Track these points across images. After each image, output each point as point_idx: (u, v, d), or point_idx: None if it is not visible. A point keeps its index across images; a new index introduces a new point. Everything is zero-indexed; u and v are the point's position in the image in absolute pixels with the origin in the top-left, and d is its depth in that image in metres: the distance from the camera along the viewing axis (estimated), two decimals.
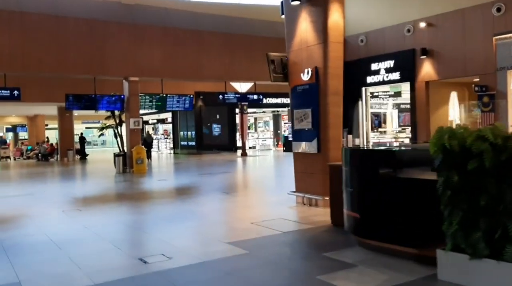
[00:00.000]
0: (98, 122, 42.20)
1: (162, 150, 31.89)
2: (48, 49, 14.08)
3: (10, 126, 41.69)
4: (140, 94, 16.17)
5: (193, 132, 26.80)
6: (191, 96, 17.54)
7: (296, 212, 7.46)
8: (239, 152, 25.98)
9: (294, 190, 8.34)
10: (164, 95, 16.86)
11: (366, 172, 4.94)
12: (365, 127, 16.68)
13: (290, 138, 24.75)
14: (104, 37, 15.01)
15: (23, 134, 39.76)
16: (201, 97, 25.16)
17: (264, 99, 19.87)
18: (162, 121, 33.12)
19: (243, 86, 21.49)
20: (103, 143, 45.81)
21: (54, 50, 14.16)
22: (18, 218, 7.67)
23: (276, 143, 29.67)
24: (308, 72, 7.79)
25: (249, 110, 27.70)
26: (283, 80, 8.52)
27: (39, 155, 25.49)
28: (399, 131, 19.54)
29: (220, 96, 18.22)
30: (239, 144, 27.84)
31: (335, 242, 5.37)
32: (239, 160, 20.69)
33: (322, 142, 7.66)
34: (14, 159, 27.44)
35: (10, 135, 42.11)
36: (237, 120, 27.89)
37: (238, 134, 27.54)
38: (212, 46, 16.99)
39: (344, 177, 5.38)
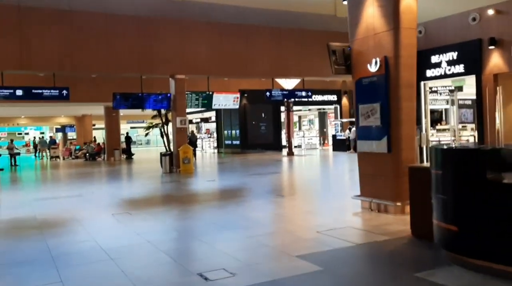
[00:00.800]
0: (143, 121, 42.81)
1: (206, 149, 31.70)
2: (97, 48, 13.94)
3: (59, 127, 43.03)
4: (186, 92, 15.80)
5: (237, 131, 26.33)
6: (238, 94, 17.01)
7: (364, 219, 6.68)
8: (285, 151, 25.30)
9: (358, 193, 7.56)
10: (211, 93, 16.42)
11: (469, 177, 4.09)
12: (424, 125, 15.54)
13: (339, 137, 23.90)
14: (151, 35, 14.73)
15: (71, 135, 40.85)
16: (245, 95, 24.64)
17: (312, 96, 19.04)
18: (206, 120, 32.96)
19: (288, 83, 20.78)
20: (147, 142, 46.42)
21: (103, 48, 14.00)
22: (67, 222, 7.34)
23: (322, 142, 28.73)
24: (376, 62, 6.97)
25: (294, 108, 26.93)
26: (345, 72, 7.74)
27: (87, 154, 25.87)
28: (460, 129, 18.19)
29: (267, 93, 17.58)
30: (284, 142, 27.19)
31: (424, 258, 4.57)
32: (286, 159, 19.99)
33: (393, 141, 6.82)
34: (63, 159, 28.05)
35: (59, 135, 43.47)
36: (282, 118, 27.28)
37: (283, 133, 26.88)
38: (259, 41, 16.38)
39: (433, 181, 4.57)
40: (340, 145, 24.20)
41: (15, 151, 22.80)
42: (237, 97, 16.93)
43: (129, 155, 25.65)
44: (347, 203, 7.70)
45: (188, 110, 16.76)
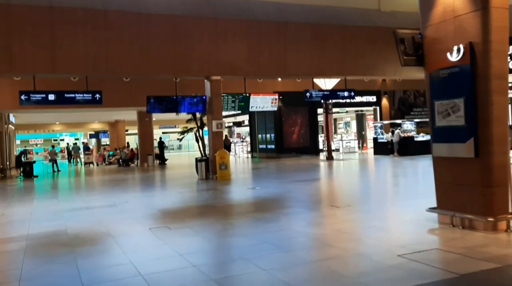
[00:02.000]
0: (175, 126, 42.46)
1: (239, 153, 30.87)
2: (130, 50, 13.29)
3: (93, 133, 43.25)
4: (222, 95, 14.97)
5: (272, 135, 25.34)
6: (276, 95, 16.03)
7: (449, 238, 5.54)
8: (322, 155, 24.17)
9: (435, 206, 6.43)
10: (248, 95, 15.52)
11: None
12: None
13: (380, 140, 22.52)
14: (186, 34, 13.98)
15: (105, 140, 40.92)
16: (281, 97, 23.63)
17: (355, 96, 17.85)
18: (239, 124, 32.15)
19: (326, 83, 19.68)
20: (179, 147, 46.09)
21: (136, 50, 13.34)
22: (100, 238, 6.53)
23: (361, 145, 27.38)
24: (458, 50, 5.84)
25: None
26: (415, 63, 6.63)
27: (120, 160, 25.47)
28: None
29: (307, 94, 16.54)
30: (321, 146, 26.06)
31: None
32: (326, 164, 18.85)
33: (481, 143, 5.67)
34: (97, 165, 27.80)
35: (93, 141, 43.69)
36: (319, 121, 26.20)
37: (320, 136, 25.78)
38: (299, 39, 15.38)
39: None
40: (382, 148, 22.84)
41: (54, 157, 22.58)
42: (275, 99, 15.97)
43: (162, 160, 25.11)
44: (418, 217, 6.58)
45: (224, 113, 15.97)
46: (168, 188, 13.75)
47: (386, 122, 24.74)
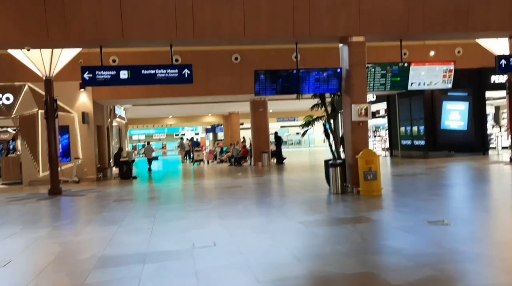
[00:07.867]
0: (294, 119, 37.98)
1: (373, 150, 25.11)
2: (229, 2, 9.03)
3: (209, 127, 41.05)
4: (367, 65, 9.85)
5: (422, 127, 19.24)
6: (452, 64, 10.31)
7: None
8: (494, 154, 17.62)
9: None
10: (406, 64, 10.12)
11: None
12: None
13: None
14: None
15: (221, 135, 38.34)
16: None
17: None
18: (372, 114, 26.27)
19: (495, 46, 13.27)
20: (298, 142, 41.70)
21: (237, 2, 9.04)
22: None
23: None
24: None
25: (488, 94, 19.07)
26: None
27: (232, 158, 21.82)
28: None
29: (502, 62, 10.46)
30: (492, 142, 19.41)
31: None
32: None
33: None
34: (208, 163, 24.63)
35: (210, 135, 41.54)
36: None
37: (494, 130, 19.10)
38: None
39: None
40: None
41: (153, 155, 19.72)
42: (450, 70, 10.26)
43: (279, 159, 20.74)
44: None
45: (370, 93, 10.81)
46: (286, 210, 8.79)
47: None
